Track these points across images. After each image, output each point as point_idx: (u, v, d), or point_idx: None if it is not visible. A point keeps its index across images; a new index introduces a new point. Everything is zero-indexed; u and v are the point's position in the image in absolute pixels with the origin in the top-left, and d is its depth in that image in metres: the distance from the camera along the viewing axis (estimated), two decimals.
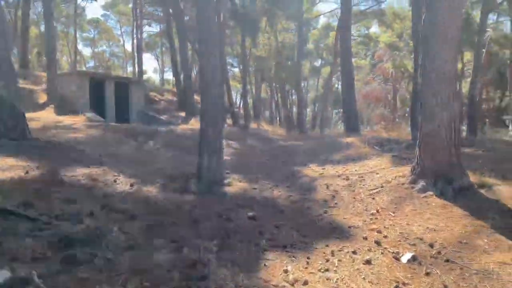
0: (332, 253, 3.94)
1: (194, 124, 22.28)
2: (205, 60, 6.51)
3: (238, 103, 49.11)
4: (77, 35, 67.98)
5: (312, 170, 7.91)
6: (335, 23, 42.24)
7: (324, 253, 3.98)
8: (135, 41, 43.80)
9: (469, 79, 37.27)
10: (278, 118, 59.85)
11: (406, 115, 38.36)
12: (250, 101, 58.26)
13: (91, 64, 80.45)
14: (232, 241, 4.13)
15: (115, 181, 6.30)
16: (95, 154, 8.28)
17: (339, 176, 7.08)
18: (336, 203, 5.64)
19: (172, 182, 6.55)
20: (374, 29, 51.18)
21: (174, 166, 8.00)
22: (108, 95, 19.22)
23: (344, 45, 16.87)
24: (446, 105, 5.81)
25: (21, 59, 26.37)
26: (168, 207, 5.24)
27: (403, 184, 6.06)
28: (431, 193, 5.63)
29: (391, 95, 31.48)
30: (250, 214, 5.01)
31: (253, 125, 33.32)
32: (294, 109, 59.60)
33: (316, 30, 48.23)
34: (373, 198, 5.74)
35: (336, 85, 61.26)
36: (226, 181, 6.68)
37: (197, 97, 39.13)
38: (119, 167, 7.33)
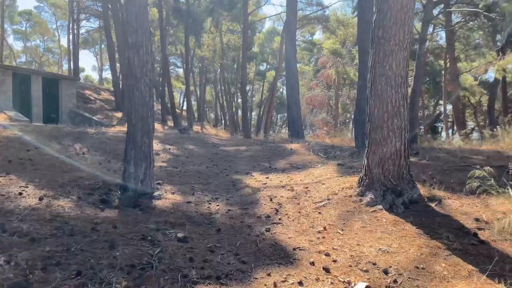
0: (275, 285, 3.32)
1: None
2: (133, 52, 5.67)
3: (181, 104, 47.77)
4: (7, 27, 63.00)
5: (255, 179, 7.30)
6: (280, 28, 42.44)
7: (265, 285, 3.34)
8: (71, 36, 41.02)
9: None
10: (223, 121, 59.31)
11: (347, 120, 39.33)
12: (194, 103, 57.20)
13: (23, 59, 74.88)
14: (154, 273, 3.37)
15: (20, 193, 5.26)
16: (3, 160, 7.08)
17: (283, 186, 6.52)
18: (280, 219, 5.04)
19: (91, 195, 5.62)
20: (318, 35, 52.20)
21: (98, 174, 7.01)
22: (35, 92, 17.47)
23: (289, 49, 16.57)
24: (396, 112, 5.44)
25: None
26: (81, 227, 4.34)
27: (350, 196, 5.61)
28: (380, 207, 5.22)
29: (333, 101, 31.96)
30: (181, 235, 4.26)
31: (196, 128, 32.37)
32: (240, 112, 59.22)
33: (261, 33, 48.32)
34: (320, 213, 5.22)
35: (281, 90, 61.88)
36: (156, 193, 5.86)
37: None
38: (30, 176, 6.25)
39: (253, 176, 7.61)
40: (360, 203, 5.38)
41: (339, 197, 5.63)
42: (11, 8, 60.18)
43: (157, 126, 24.15)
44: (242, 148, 11.89)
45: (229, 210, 5.38)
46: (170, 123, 28.50)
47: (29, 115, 17.39)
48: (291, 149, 11.03)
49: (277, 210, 5.35)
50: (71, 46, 40.54)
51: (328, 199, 5.63)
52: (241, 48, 28.64)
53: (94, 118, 18.16)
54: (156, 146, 10.92)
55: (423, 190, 5.63)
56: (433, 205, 5.30)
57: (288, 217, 5.13)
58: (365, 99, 10.14)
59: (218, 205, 5.61)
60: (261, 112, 50.41)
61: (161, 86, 30.30)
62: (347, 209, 5.24)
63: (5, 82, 16.33)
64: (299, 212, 5.28)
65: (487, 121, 23.87)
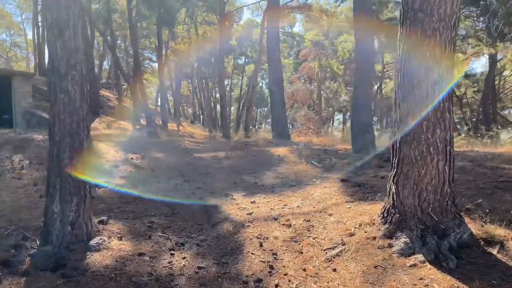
0: None
1: (97, 126, 18.88)
2: (53, 35, 3.81)
3: (156, 101, 45.43)
4: None
5: (237, 205, 5.55)
6: (259, 19, 40.59)
7: None
8: (35, 29, 38.07)
9: (387, 80, 37.71)
10: (201, 117, 57.23)
11: (329, 116, 37.93)
12: (171, 98, 54.87)
13: None
14: None
15: None
16: None
17: (276, 219, 4.80)
18: (277, 286, 3.33)
19: None
20: (298, 27, 50.50)
21: (21, 205, 5.16)
22: None
23: (271, 39, 14.82)
24: (439, 119, 3.80)
25: None
26: None
27: (374, 239, 3.94)
28: (420, 257, 3.58)
29: (316, 96, 30.43)
30: None
31: (171, 126, 30.31)
32: (218, 107, 57.24)
33: (239, 26, 46.35)
34: (335, 270, 3.54)
35: (261, 84, 60.04)
36: (95, 241, 4.01)
37: (106, 93, 35.01)
38: None
39: (235, 199, 5.87)
40: (390, 251, 3.72)
41: (358, 239, 3.96)
42: None
43: (128, 125, 22.11)
44: (221, 155, 10.12)
45: (199, 268, 3.62)
46: (143, 121, 26.44)
47: None
48: (278, 156, 9.34)
49: (271, 267, 3.62)
50: (36, 41, 37.67)
51: (343, 244, 3.95)
52: (218, 40, 26.74)
53: None
54: (116, 154, 9.06)
55: (472, 226, 4.02)
56: (494, 251, 3.69)
57: (289, 280, 3.41)
58: (362, 96, 8.51)
59: (184, 257, 3.84)
60: (240, 108, 48.63)
61: (133, 81, 28.10)
62: (373, 262, 3.58)
63: None
64: (304, 269, 3.57)
65: (480, 117, 22.78)
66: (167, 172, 7.99)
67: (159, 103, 39.73)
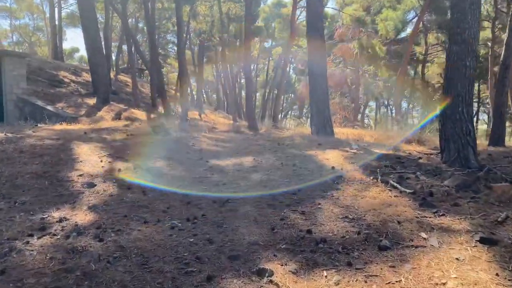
0: None
1: (104, 116, 16.29)
2: None
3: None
4: None
5: None
6: None
7: None
8: (56, 10, 35.86)
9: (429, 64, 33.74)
10: (225, 103, 54.61)
11: (364, 104, 34.42)
12: (194, 85, 52.35)
13: (13, 39, 69.90)
14: None
15: None
16: None
17: None
18: None
19: None
20: (331, 3, 46.51)
21: None
22: None
23: (313, 10, 11.62)
24: None
25: None
26: None
27: None
28: None
29: (356, 81, 26.98)
30: None
31: (193, 114, 27.61)
32: (243, 93, 54.47)
33: (266, 6, 43.13)
34: None
35: (288, 69, 56.91)
36: None
37: (125, 78, 32.58)
38: None
39: (275, 282, 2.95)
40: None
41: None
42: None
43: (141, 113, 19.50)
44: (248, 162, 7.21)
45: None
46: (162, 108, 23.85)
47: None
48: (332, 167, 6.34)
49: None
50: (56, 22, 35.46)
51: None
52: (244, 18, 23.67)
53: (48, 107, 13.47)
54: (99, 164, 6.28)
55: None
56: None
57: None
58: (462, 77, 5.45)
59: None
60: (266, 94, 45.58)
61: (150, 64, 25.53)
62: None
63: None
64: None
65: None
66: (164, 198, 5.13)
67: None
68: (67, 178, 5.65)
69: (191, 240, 3.75)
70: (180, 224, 4.19)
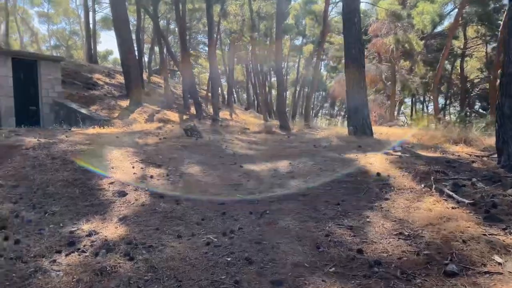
0: None
1: (136, 118, 16.30)
2: None
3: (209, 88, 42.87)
4: (29, 10, 60.55)
5: None
6: None
7: None
8: (90, 14, 36.63)
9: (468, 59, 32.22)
10: (256, 102, 54.35)
11: (406, 100, 33.20)
12: (225, 85, 52.41)
13: (51, 43, 72.42)
14: None
15: None
16: None
17: None
18: None
19: None
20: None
21: None
22: (2, 79, 13.00)
23: (349, 4, 11.05)
24: None
25: None
26: None
27: None
28: None
29: (387, 77, 25.92)
30: None
31: (224, 114, 27.47)
32: (273, 92, 54.02)
33: (296, 3, 42.56)
34: None
35: (319, 67, 56.08)
36: None
37: (157, 79, 32.88)
38: None
39: None
40: None
41: None
42: None
43: (174, 115, 19.47)
44: (284, 167, 6.83)
45: None
46: (193, 109, 23.84)
47: None
48: (377, 173, 5.84)
49: None
50: (90, 26, 36.21)
51: None
52: (275, 15, 23.27)
53: (82, 110, 13.55)
54: (130, 170, 6.06)
55: None
56: None
57: None
58: None
59: None
60: (297, 92, 44.98)
61: (181, 65, 25.59)
62: None
63: None
64: None
65: None
66: (199, 208, 4.82)
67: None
68: (98, 186, 5.45)
69: (229, 259, 3.40)
70: (216, 240, 3.86)
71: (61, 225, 4.32)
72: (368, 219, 4.22)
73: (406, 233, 3.78)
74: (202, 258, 3.43)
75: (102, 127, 10.95)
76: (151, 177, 5.91)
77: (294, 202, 4.97)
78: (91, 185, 5.49)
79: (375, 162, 6.53)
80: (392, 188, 5.20)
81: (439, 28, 29.76)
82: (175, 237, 3.95)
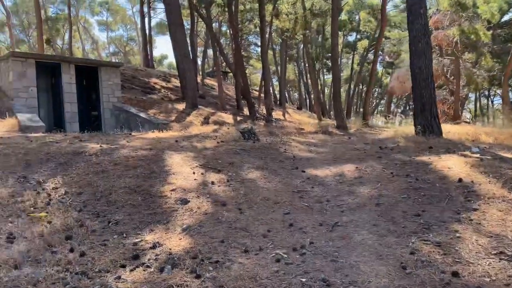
0: None
1: (193, 121, 16.43)
2: None
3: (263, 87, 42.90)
4: (90, 19, 63.76)
5: None
6: None
7: None
8: (146, 20, 37.86)
9: None
10: (307, 100, 53.69)
11: (470, 96, 31.01)
12: (276, 84, 52.24)
13: (111, 49, 76.19)
14: None
15: None
16: None
17: None
18: None
19: None
20: None
21: None
22: (66, 85, 13.57)
23: None
24: None
25: None
26: None
27: None
28: None
29: (456, 72, 24.25)
30: None
31: (277, 114, 27.20)
32: (326, 90, 52.92)
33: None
34: None
35: (377, 62, 54.26)
36: None
37: (211, 82, 33.28)
38: None
39: None
40: None
41: None
42: None
43: (228, 116, 19.48)
44: (350, 172, 6.38)
45: None
46: (246, 110, 23.81)
47: (61, 115, 13.65)
48: (460, 180, 5.23)
49: None
50: (146, 31, 37.46)
51: None
52: (329, 11, 22.62)
53: (141, 114, 13.83)
54: (191, 176, 5.90)
55: None
56: None
57: None
58: None
59: None
60: (351, 90, 43.71)
61: (234, 66, 25.69)
62: None
63: (26, 74, 12.58)
64: None
65: None
66: (263, 218, 4.53)
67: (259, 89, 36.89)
68: (160, 193, 5.33)
69: (303, 280, 3.06)
70: (286, 256, 3.54)
71: (124, 235, 4.21)
72: (457, 234, 3.71)
73: (509, 253, 3.24)
74: (274, 278, 3.13)
75: (160, 131, 11.04)
76: (212, 183, 5.71)
77: (368, 212, 4.53)
78: (153, 192, 5.39)
79: (453, 166, 5.90)
80: (479, 196, 4.60)
81: (506, 17, 27.62)
82: (241, 251, 3.67)
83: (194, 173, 6.12)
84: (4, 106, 11.62)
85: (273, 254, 3.58)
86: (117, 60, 67.69)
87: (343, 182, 5.86)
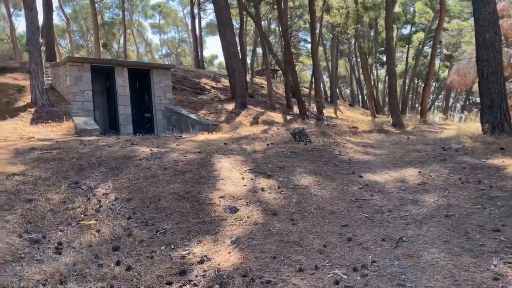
0: None
1: (242, 121, 16.28)
2: None
3: (313, 83, 42.17)
4: (144, 22, 66.03)
5: None
6: None
7: None
8: (196, 21, 38.47)
9: None
10: (360, 96, 52.23)
11: None
12: (326, 80, 51.20)
13: (163, 52, 78.66)
14: None
15: None
16: None
17: None
18: None
19: None
20: None
21: None
22: (120, 88, 13.91)
23: None
24: None
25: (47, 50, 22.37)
26: None
27: None
28: None
29: None
30: None
31: (328, 111, 26.49)
32: (379, 86, 51.09)
33: None
34: None
35: (435, 55, 51.84)
36: None
37: (260, 80, 33.16)
38: None
39: None
40: None
41: None
42: (144, 2, 62.30)
43: (278, 115, 19.18)
44: (411, 177, 5.84)
45: None
46: (296, 108, 23.38)
47: (115, 118, 14.01)
48: None
49: None
50: (197, 32, 38.05)
51: None
52: (383, 4, 21.61)
53: (191, 116, 13.87)
54: (240, 181, 5.67)
55: None
56: None
57: None
58: None
59: None
60: (406, 85, 41.82)
61: (284, 64, 25.35)
62: None
63: (82, 78, 13.02)
64: None
65: None
66: (318, 230, 4.17)
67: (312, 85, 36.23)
68: (208, 200, 5.12)
69: None
70: (345, 277, 3.17)
71: (172, 246, 4.03)
72: None
73: None
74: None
75: (210, 133, 10.96)
76: (262, 189, 5.43)
77: (437, 226, 4.03)
78: (202, 199, 5.19)
79: None
80: None
81: None
82: (295, 270, 3.35)
83: (243, 178, 5.87)
84: (62, 110, 12.08)
85: (331, 275, 3.22)
86: (169, 62, 69.70)
87: (405, 189, 5.35)
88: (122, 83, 13.91)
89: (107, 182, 5.84)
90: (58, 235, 4.26)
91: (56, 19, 46.70)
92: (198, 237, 4.20)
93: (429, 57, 49.03)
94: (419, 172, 6.04)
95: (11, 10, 39.20)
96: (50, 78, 15.38)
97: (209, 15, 50.69)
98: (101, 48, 40.86)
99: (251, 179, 5.87)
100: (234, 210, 4.81)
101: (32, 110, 11.91)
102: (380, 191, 5.36)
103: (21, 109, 11.96)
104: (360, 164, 6.90)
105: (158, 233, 4.39)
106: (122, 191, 5.54)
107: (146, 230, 4.47)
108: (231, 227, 4.39)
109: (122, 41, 48.02)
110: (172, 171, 6.19)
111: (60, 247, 3.97)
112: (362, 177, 6.05)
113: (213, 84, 25.48)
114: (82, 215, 4.82)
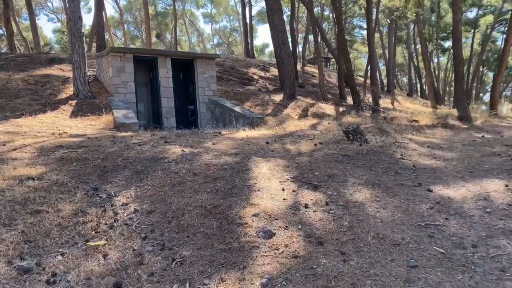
0: None
1: (290, 113, 15.24)
2: None
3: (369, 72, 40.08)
4: (196, 12, 66.32)
5: None
6: None
7: None
8: (246, 9, 37.65)
9: None
10: (418, 85, 49.23)
11: None
12: (382, 68, 48.52)
13: (214, 41, 78.97)
14: None
15: None
16: None
17: None
18: None
19: None
20: None
21: None
22: (163, 79, 13.39)
23: None
24: None
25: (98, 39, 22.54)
26: None
27: None
28: None
29: None
30: None
31: (385, 102, 24.73)
32: (441, 75, 47.72)
33: None
34: None
35: (497, 40, 47.91)
36: None
37: (311, 69, 31.76)
38: None
39: None
40: None
41: None
42: None
43: (329, 107, 17.95)
44: (495, 192, 4.59)
45: None
46: (349, 99, 21.97)
47: (158, 111, 13.52)
48: None
49: None
50: (247, 20, 37.23)
51: None
52: None
53: (235, 109, 13.04)
54: (280, 193, 4.72)
55: None
56: None
57: None
58: None
59: None
60: (471, 74, 38.52)
61: (337, 51, 23.94)
62: None
63: (124, 69, 12.59)
64: None
65: None
66: (378, 272, 3.13)
67: (367, 74, 34.30)
68: (239, 218, 4.22)
69: None
70: None
71: (187, 285, 3.18)
72: None
73: None
74: None
75: (253, 128, 10.07)
76: (306, 206, 4.44)
77: None
78: (231, 216, 4.31)
79: None
80: None
81: None
82: None
83: (283, 189, 4.91)
84: (103, 102, 11.72)
85: None
86: (221, 52, 69.59)
87: (491, 212, 4.13)
88: (165, 74, 13.36)
89: (129, 189, 5.13)
90: (56, 260, 3.55)
91: (112, 11, 47.74)
92: (221, 273, 3.32)
93: (497, 42, 44.67)
94: (506, 186, 4.76)
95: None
96: (95, 69, 15.21)
97: (260, 2, 49.64)
98: (154, 39, 41.27)
99: (293, 190, 4.89)
100: (269, 234, 3.88)
101: (73, 102, 11.64)
102: (457, 213, 4.18)
103: (63, 101, 11.73)
104: (428, 172, 5.68)
105: (174, 262, 3.56)
106: (144, 200, 4.80)
107: (160, 257, 3.66)
108: (263, 260, 3.47)
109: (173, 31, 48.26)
110: (202, 177, 5.37)
111: (52, 280, 3.25)
112: (431, 191, 4.87)
113: (262, 73, 24.59)
114: (93, 232, 4.11)
